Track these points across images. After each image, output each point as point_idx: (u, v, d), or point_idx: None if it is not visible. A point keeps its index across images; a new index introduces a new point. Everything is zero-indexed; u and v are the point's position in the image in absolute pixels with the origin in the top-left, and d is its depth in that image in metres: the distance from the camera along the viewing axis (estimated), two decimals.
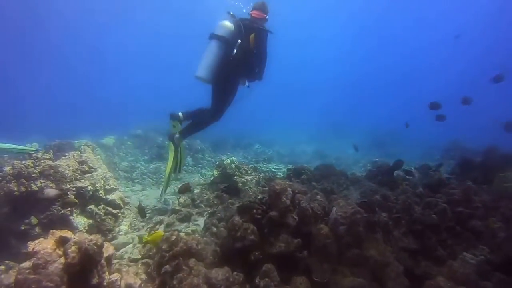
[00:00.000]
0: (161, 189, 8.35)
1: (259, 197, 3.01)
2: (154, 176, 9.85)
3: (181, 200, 5.58)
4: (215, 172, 7.09)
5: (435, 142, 17.96)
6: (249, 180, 6.70)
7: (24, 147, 5.63)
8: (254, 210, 2.75)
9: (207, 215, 5.31)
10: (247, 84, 4.75)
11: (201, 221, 5.23)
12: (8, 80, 35.13)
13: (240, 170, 7.06)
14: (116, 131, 13.55)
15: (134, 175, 9.62)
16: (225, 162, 7.09)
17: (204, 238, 2.93)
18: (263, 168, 9.58)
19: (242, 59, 4.41)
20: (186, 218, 5.26)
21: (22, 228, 4.63)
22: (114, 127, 14.99)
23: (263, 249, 2.59)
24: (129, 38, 41.22)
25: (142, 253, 3.61)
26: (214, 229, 3.61)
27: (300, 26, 38.38)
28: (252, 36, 4.38)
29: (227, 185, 5.67)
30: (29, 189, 4.70)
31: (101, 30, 39.02)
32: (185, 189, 4.84)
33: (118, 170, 9.71)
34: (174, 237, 2.58)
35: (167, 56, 42.94)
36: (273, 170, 10.54)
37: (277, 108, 34.15)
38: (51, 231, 2.46)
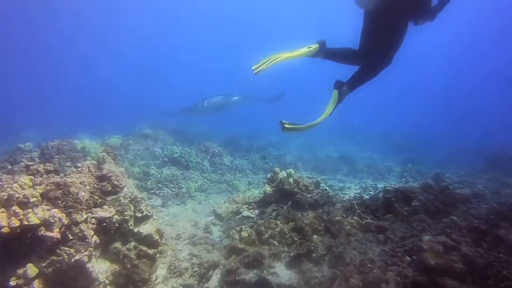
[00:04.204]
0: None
1: None
2: (171, 185, 8.17)
3: (244, 234, 3.91)
4: (268, 188, 5.46)
5: (461, 148, 16.66)
6: (318, 201, 5.07)
7: None
8: None
9: (287, 259, 3.65)
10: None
11: (279, 269, 3.57)
12: None
13: (300, 186, 5.45)
14: (117, 130, 11.79)
15: (149, 183, 7.91)
16: (280, 175, 5.48)
17: None
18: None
19: None
20: (256, 263, 3.61)
21: (12, 283, 2.93)
22: (114, 126, 13.27)
23: None
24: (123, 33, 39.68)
25: None
26: None
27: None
28: None
29: None
30: (26, 222, 2.99)
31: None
32: None
33: (129, 177, 7.99)
34: None
35: (163, 52, 41.63)
36: None
37: (280, 109, 32.64)
38: None
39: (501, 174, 10.68)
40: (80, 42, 37.88)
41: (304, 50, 3.54)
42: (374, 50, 3.62)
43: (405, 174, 12.10)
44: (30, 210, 3.05)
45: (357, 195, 6.70)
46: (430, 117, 28.56)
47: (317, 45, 3.55)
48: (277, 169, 5.62)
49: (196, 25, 40.26)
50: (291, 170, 5.57)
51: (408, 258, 2.93)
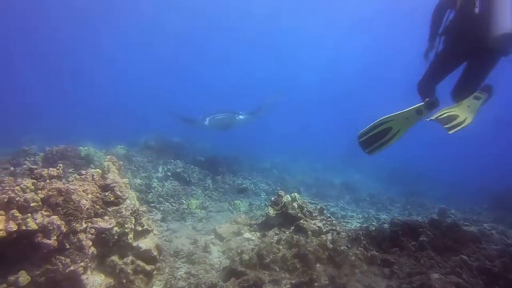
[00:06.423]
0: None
1: None
2: (172, 200, 8.06)
3: (245, 257, 3.79)
4: (271, 211, 5.35)
5: (464, 184, 16.41)
6: (321, 228, 4.94)
7: None
8: None
9: (288, 286, 3.51)
10: None
11: None
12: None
13: (304, 211, 5.32)
14: (122, 140, 11.74)
15: (149, 196, 7.80)
16: (284, 199, 5.38)
17: None
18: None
19: None
20: None
21: None
22: (119, 136, 13.25)
23: None
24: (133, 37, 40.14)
25: None
26: None
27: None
28: None
29: None
30: (24, 227, 2.90)
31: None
32: None
33: (131, 189, 7.89)
34: None
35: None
36: None
37: (285, 131, 32.61)
38: None
39: (506, 214, 10.45)
40: (95, 49, 38.58)
41: (471, 101, 3.82)
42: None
43: (408, 206, 11.91)
44: (30, 215, 2.96)
45: (362, 225, 6.54)
46: (432, 152, 28.34)
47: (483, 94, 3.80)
48: (281, 192, 5.52)
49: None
50: (295, 194, 5.46)
51: None
